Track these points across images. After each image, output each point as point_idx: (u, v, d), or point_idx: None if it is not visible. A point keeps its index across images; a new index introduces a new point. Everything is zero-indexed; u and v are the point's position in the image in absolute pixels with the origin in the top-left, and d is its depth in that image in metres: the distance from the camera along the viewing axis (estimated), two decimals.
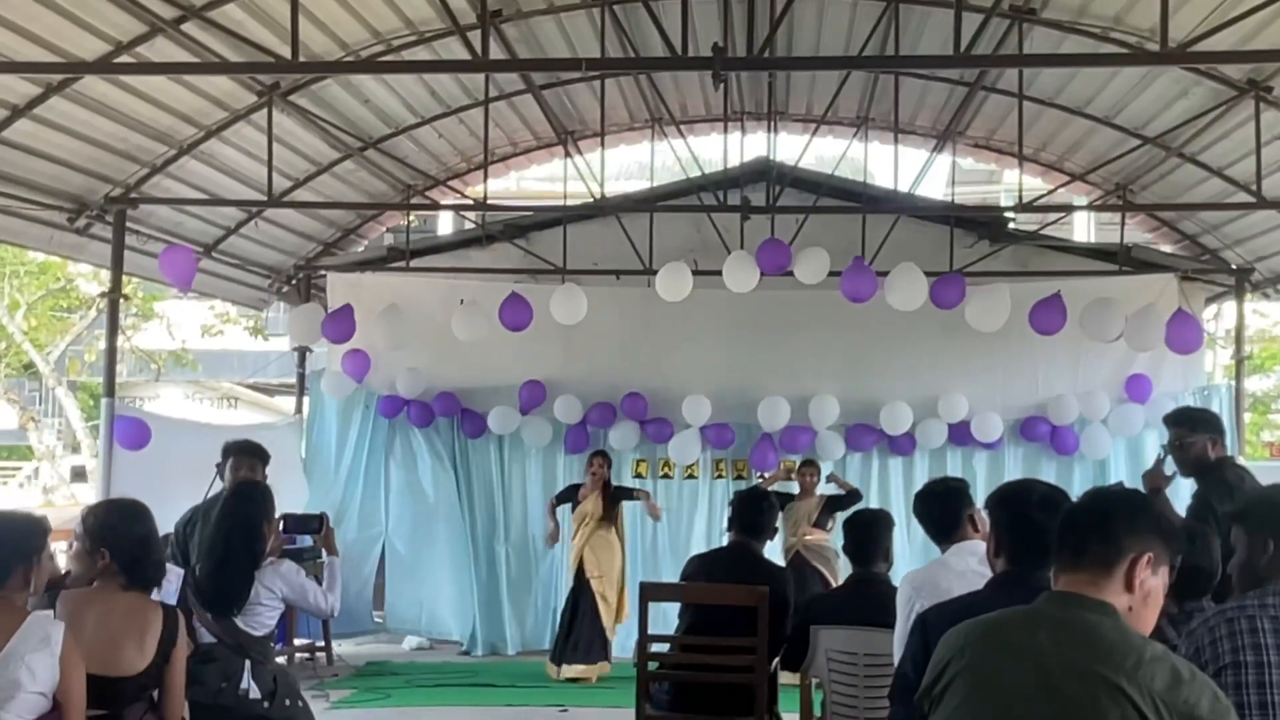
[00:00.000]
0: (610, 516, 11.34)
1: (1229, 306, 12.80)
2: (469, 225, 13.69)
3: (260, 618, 6.24)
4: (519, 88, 10.97)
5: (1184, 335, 10.89)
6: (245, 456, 7.18)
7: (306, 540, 9.70)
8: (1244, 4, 7.37)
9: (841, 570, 10.09)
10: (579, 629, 11.11)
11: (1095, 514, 2.97)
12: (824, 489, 11.56)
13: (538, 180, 14.41)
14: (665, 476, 12.80)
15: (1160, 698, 2.63)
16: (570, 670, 11.00)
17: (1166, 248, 12.91)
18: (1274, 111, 9.19)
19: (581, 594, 11.16)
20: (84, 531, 5.17)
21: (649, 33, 9.16)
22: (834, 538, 10.36)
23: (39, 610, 4.46)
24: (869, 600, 6.34)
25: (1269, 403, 22.84)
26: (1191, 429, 6.35)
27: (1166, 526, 2.98)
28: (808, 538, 10.92)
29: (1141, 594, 2.86)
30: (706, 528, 12.32)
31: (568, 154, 12.45)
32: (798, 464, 11.54)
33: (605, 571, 11.18)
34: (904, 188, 12.51)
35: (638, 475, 12.75)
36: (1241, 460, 11.89)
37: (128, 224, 10.16)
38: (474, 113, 11.20)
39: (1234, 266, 12.35)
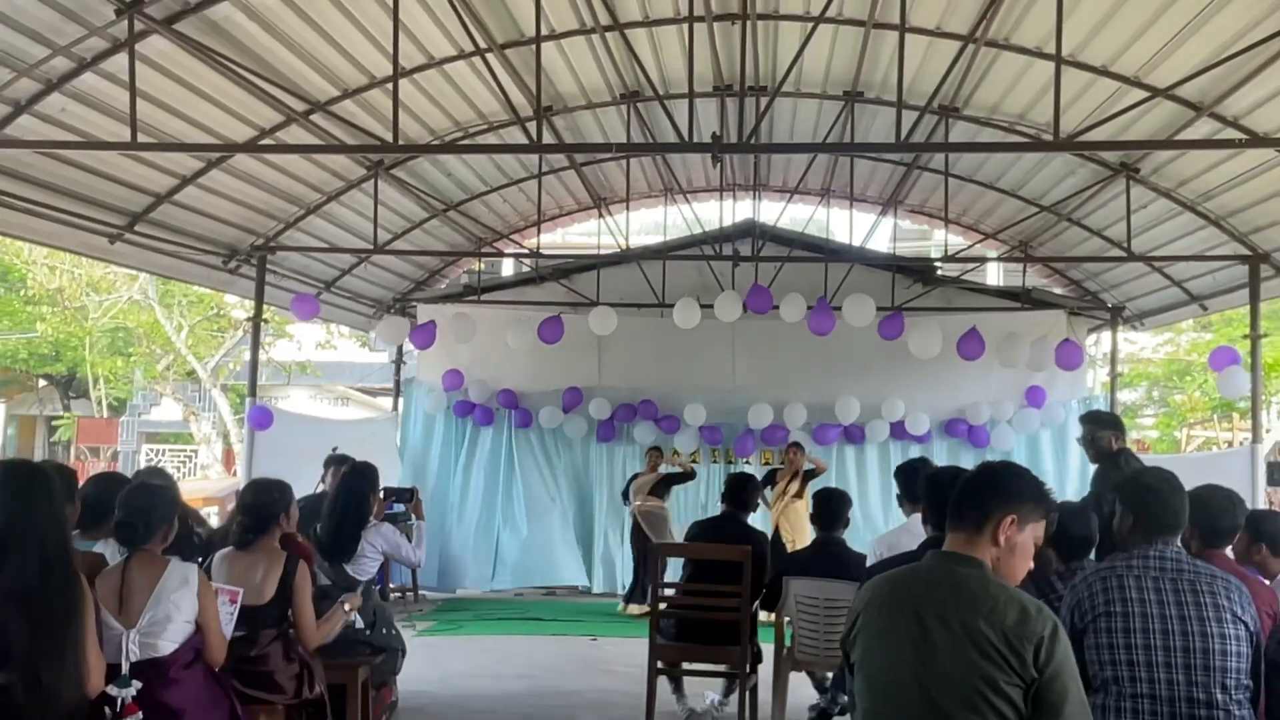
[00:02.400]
0: (661, 495, 11.41)
1: (1106, 336, 12.79)
2: (525, 268, 13.75)
3: (364, 566, 6.30)
4: (564, 164, 11.03)
5: (1070, 357, 11.10)
6: (338, 465, 7.38)
7: (400, 507, 9.73)
8: (1117, 105, 7.40)
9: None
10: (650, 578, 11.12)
11: (970, 485, 2.94)
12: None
13: (578, 234, 14.43)
14: (674, 461, 12.78)
15: (1010, 631, 2.60)
16: (635, 609, 10.90)
17: (1058, 290, 12.91)
18: (1140, 187, 9.21)
19: (644, 548, 11.13)
20: (237, 503, 5.26)
21: (663, 123, 9.25)
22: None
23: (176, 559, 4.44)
24: (830, 558, 6.40)
25: (1136, 410, 22.72)
26: (1099, 426, 6.50)
27: (1031, 490, 2.87)
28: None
29: (1008, 547, 2.79)
30: (705, 500, 12.32)
31: (601, 215, 12.51)
32: (787, 445, 11.53)
33: (660, 536, 11.13)
34: (858, 242, 12.50)
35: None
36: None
37: (267, 266, 10.27)
38: (530, 183, 11.23)
39: (1109, 305, 12.36)
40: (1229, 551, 4.43)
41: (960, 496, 2.91)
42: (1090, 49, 7.24)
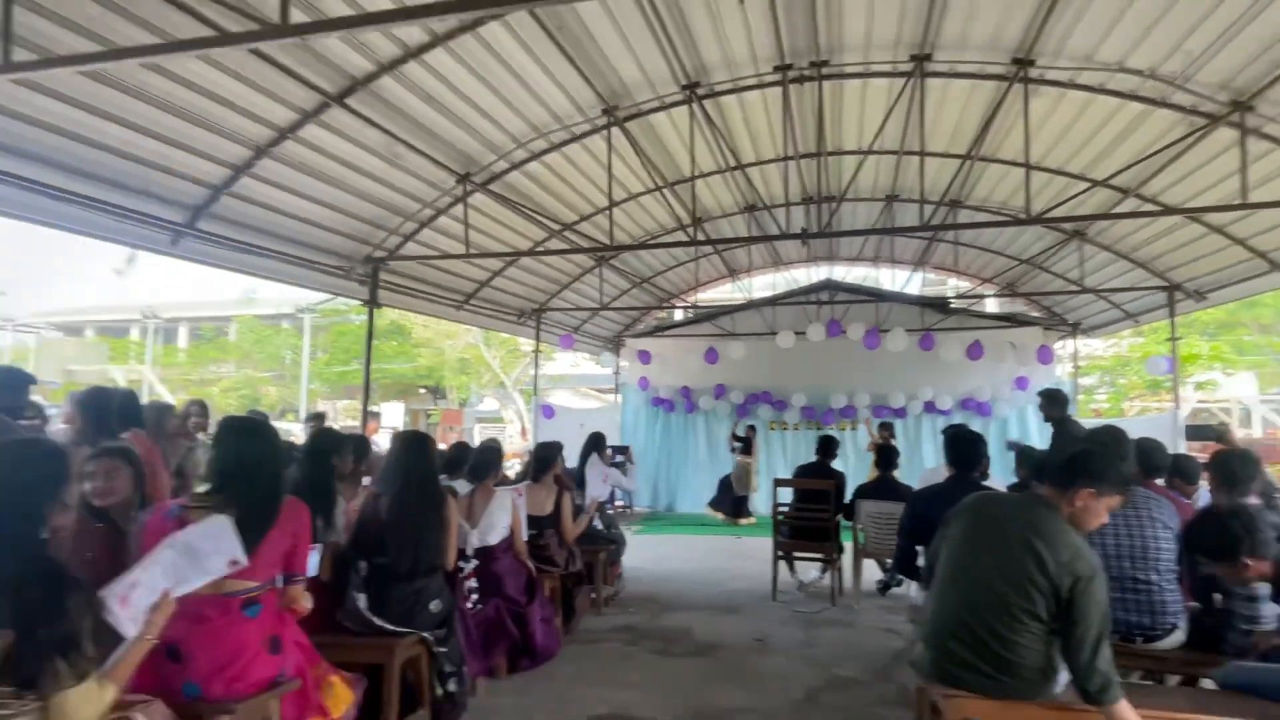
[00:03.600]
0: (749, 451, 11.28)
1: (1069, 342, 11.86)
2: (689, 315, 13.80)
3: (602, 490, 6.39)
4: (709, 252, 10.91)
5: (1045, 357, 10.40)
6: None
7: (620, 458, 9.87)
8: (1070, 192, 6.94)
9: None
10: (733, 498, 11.06)
11: (1071, 458, 2.56)
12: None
13: (721, 293, 14.37)
14: (783, 429, 12.56)
15: (1059, 560, 2.40)
16: (721, 516, 10.89)
17: (1034, 313, 12.05)
18: (1088, 245, 8.58)
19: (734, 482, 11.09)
20: (530, 455, 5.50)
21: (770, 223, 9.16)
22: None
23: (503, 489, 4.57)
24: (886, 488, 6.22)
25: (1093, 390, 20.99)
26: (1046, 402, 6.00)
27: (1113, 475, 2.50)
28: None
29: (1082, 508, 2.50)
30: (805, 452, 12.03)
31: (734, 280, 12.43)
32: (877, 426, 10.88)
33: (745, 480, 11.07)
34: (898, 288, 12.03)
35: (771, 428, 12.46)
36: (1079, 418, 11.12)
37: (542, 321, 10.52)
38: (690, 264, 11.26)
39: (1071, 322, 11.46)
40: (1160, 481, 4.09)
41: (1062, 464, 2.55)
42: (1050, 157, 6.81)
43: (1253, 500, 3.25)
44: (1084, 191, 6.74)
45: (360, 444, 4.32)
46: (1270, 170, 5.57)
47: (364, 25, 2.99)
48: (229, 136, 5.11)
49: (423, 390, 26.39)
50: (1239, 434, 17.01)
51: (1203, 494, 4.08)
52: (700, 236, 9.38)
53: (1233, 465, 3.41)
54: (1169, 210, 6.38)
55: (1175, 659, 3.14)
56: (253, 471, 2.59)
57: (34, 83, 4.10)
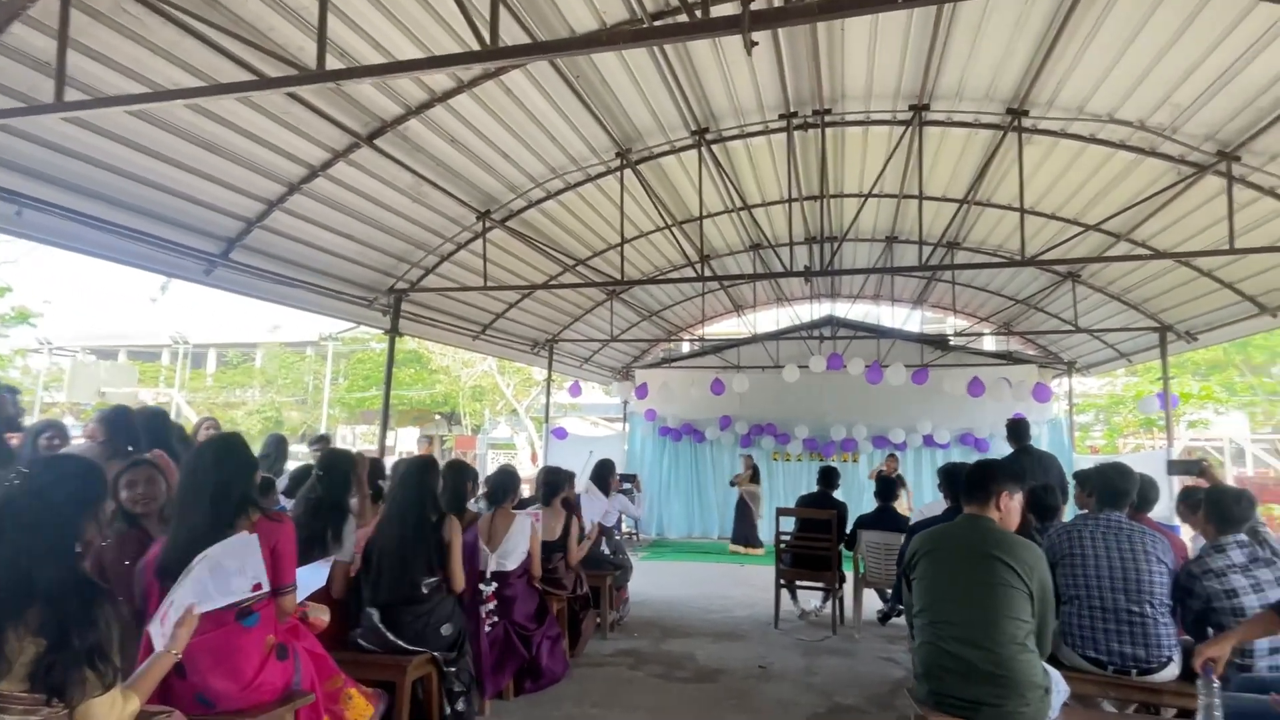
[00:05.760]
0: (756, 482, 11.19)
1: (1065, 380, 11.80)
2: (696, 347, 13.83)
3: (610, 518, 6.32)
4: (716, 288, 10.97)
5: (1042, 395, 10.31)
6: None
7: (628, 485, 9.82)
8: (1064, 236, 6.97)
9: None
10: (746, 530, 10.96)
11: (979, 474, 2.84)
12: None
13: (727, 327, 14.41)
14: (787, 460, 12.49)
15: (1019, 558, 2.59)
16: (738, 549, 10.78)
17: (1031, 351, 12.03)
18: (1082, 287, 8.58)
19: (745, 512, 10.99)
20: (537, 480, 5.46)
21: (774, 261, 9.21)
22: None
23: (520, 513, 4.49)
24: (887, 518, 6.14)
25: (1088, 429, 20.82)
26: (1011, 433, 5.82)
27: (1011, 475, 2.82)
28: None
29: (1005, 511, 2.76)
30: (807, 483, 11.94)
31: (739, 315, 12.47)
32: (885, 457, 10.97)
33: (756, 506, 10.99)
34: (898, 325, 12.03)
35: (773, 459, 12.43)
36: (1075, 455, 11.07)
37: (554, 351, 10.52)
38: (697, 299, 11.34)
39: (1066, 361, 11.44)
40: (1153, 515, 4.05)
41: (971, 481, 2.84)
42: (1044, 202, 6.85)
43: (1242, 538, 3.20)
44: (1077, 235, 6.76)
45: (376, 467, 4.32)
46: (1257, 217, 5.59)
47: (394, 73, 3.07)
48: (263, 173, 5.21)
49: (438, 416, 26.37)
50: (1231, 472, 16.79)
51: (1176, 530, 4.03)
52: (707, 273, 9.42)
53: (1227, 503, 3.35)
54: (1159, 254, 6.38)
55: (1170, 692, 3.08)
56: (216, 490, 2.49)
57: (84, 121, 4.21)
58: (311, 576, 3.14)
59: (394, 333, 7.23)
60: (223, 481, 2.50)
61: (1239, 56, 4.19)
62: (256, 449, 4.06)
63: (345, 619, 3.55)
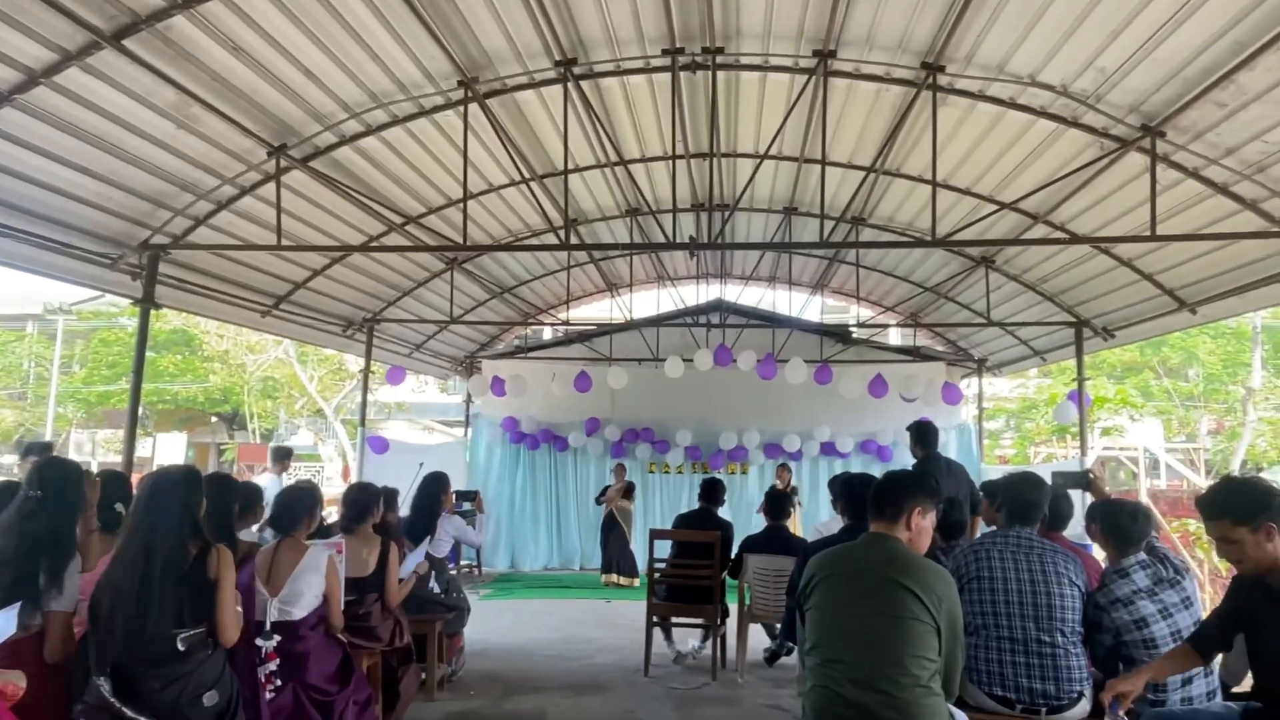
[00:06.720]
0: (629, 497, 11.38)
1: (974, 381, 12.76)
2: (559, 334, 13.77)
3: (441, 546, 6.22)
4: (585, 260, 11.06)
5: (952, 396, 11.03)
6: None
7: (467, 505, 9.64)
8: (979, 212, 7.46)
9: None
10: (617, 555, 11.04)
11: (888, 487, 2.94)
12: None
13: (596, 310, 14.45)
14: (665, 472, 12.77)
15: (928, 586, 2.67)
16: (610, 578, 10.91)
17: (939, 347, 12.92)
18: (996, 274, 9.26)
19: (616, 534, 11.09)
20: (342, 500, 5.19)
21: (655, 230, 9.31)
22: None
23: (315, 544, 4.31)
24: (778, 540, 6.34)
25: (998, 435, 22.68)
26: (916, 439, 5.99)
27: (929, 490, 2.92)
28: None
29: (916, 530, 2.84)
30: (688, 499, 12.22)
31: (612, 296, 12.53)
32: (777, 468, 11.44)
33: (629, 526, 11.16)
34: (795, 314, 12.53)
35: (650, 471, 12.68)
36: (984, 465, 11.98)
37: (374, 333, 10.26)
38: (561, 273, 11.30)
39: (976, 358, 12.35)
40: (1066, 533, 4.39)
41: (880, 496, 2.91)
42: (957, 175, 7.30)
43: (1142, 557, 3.50)
44: (992, 214, 7.27)
45: (115, 483, 3.93)
46: (1179, 201, 6.22)
47: None
48: None
49: (215, 419, 24.87)
50: (1145, 485, 18.84)
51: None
52: (574, 241, 9.37)
53: (1122, 521, 3.63)
54: (1078, 239, 6.99)
55: None
56: None
57: None
58: None
59: (148, 303, 6.72)
60: None
61: (1169, 19, 4.59)
62: None
63: (70, 692, 3.19)
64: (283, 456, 8.89)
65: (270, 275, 8.24)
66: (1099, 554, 4.21)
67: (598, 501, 11.69)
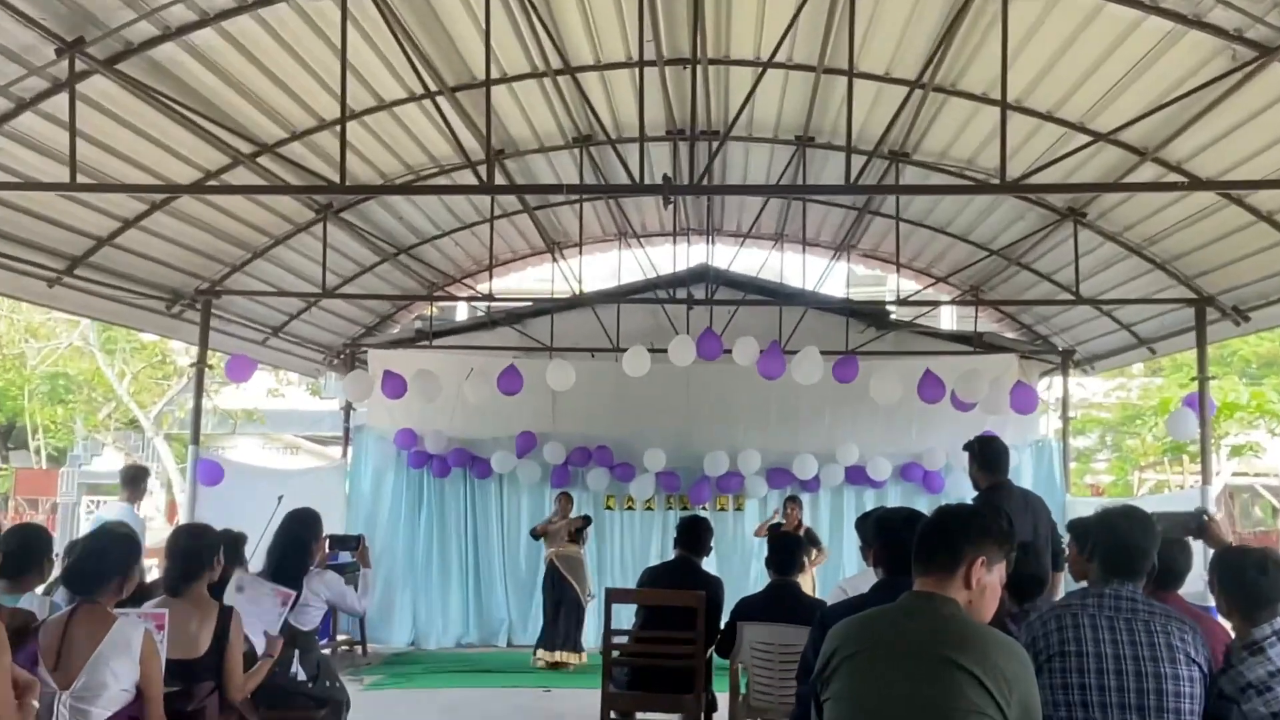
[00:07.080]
0: (579, 540, 11.40)
1: (1057, 380, 12.93)
2: (479, 313, 13.71)
3: (308, 615, 6.15)
4: (517, 208, 10.99)
5: (1025, 401, 11.15)
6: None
7: (346, 556, 9.58)
8: (1065, 147, 7.51)
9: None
10: (563, 624, 11.03)
11: (938, 528, 2.94)
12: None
13: (532, 279, 14.41)
14: (629, 509, 12.79)
15: (1000, 670, 2.63)
16: (553, 656, 10.89)
17: (1009, 334, 13.06)
18: (1087, 232, 9.37)
19: (560, 593, 11.08)
20: (166, 550, 5.11)
21: (615, 166, 9.28)
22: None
23: (125, 614, 4.28)
24: (785, 602, 6.31)
25: (1089, 455, 22.96)
26: (982, 460, 5.94)
27: (996, 531, 2.91)
28: None
29: (979, 589, 2.82)
30: (660, 546, 12.24)
31: (554, 259, 12.46)
32: (784, 501, 11.58)
33: (580, 582, 11.15)
34: (811, 287, 12.62)
35: (608, 508, 12.71)
36: (1069, 496, 12.15)
37: (213, 310, 10.13)
38: (482, 227, 11.22)
39: (1060, 349, 12.53)
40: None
41: (928, 540, 2.91)
42: (1035, 95, 7.36)
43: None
44: (1082, 148, 7.32)
45: None
46: None
47: None
48: None
49: None
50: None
51: None
52: (500, 181, 9.30)
53: (1248, 576, 3.64)
54: (1200, 184, 7.07)
55: None
56: None
57: None
58: None
59: None
60: None
61: None
62: None
63: None
64: (137, 479, 8.72)
65: (61, 227, 8.13)
66: (1227, 622, 4.26)
67: (533, 535, 11.63)
